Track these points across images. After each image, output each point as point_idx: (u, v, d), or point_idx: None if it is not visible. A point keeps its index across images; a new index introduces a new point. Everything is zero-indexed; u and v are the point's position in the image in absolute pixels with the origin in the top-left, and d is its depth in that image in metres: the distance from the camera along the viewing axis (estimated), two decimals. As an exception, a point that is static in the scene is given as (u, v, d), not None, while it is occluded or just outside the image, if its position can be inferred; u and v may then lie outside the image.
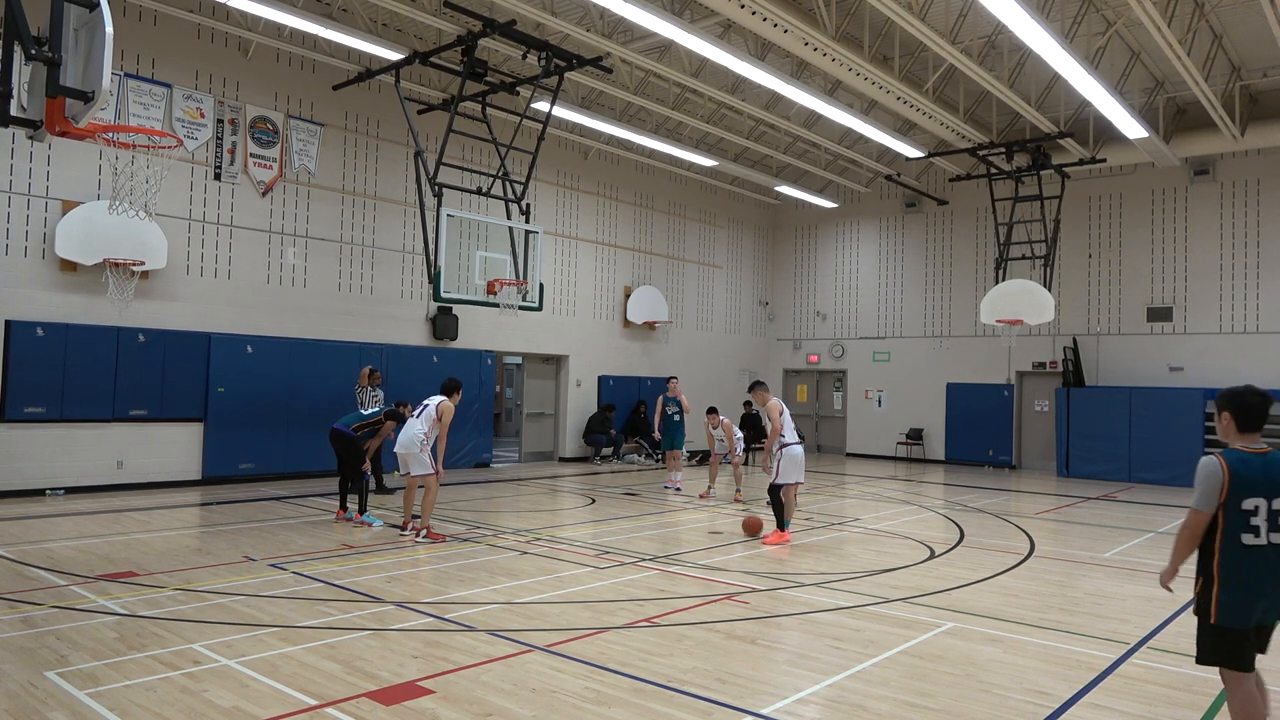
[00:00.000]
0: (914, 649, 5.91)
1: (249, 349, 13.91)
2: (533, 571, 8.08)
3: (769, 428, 10.15)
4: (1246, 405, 3.98)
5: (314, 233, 14.95)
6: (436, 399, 9.71)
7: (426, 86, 15.55)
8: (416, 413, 9.75)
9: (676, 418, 15.21)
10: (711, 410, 14.38)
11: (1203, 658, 3.97)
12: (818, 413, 24.00)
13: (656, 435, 15.67)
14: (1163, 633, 6.51)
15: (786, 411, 10.16)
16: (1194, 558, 4.08)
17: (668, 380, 15.72)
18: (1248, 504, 3.81)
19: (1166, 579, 4.14)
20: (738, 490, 13.78)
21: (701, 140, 19.84)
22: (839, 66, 13.23)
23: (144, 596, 6.81)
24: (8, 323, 11.71)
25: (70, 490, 12.15)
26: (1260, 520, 3.81)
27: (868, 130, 16.50)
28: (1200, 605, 3.95)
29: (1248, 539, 3.82)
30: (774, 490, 9.95)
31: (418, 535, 9.45)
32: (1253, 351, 17.72)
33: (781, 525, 9.94)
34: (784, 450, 9.92)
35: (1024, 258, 18.32)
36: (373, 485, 12.72)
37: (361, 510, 10.46)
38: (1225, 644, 3.88)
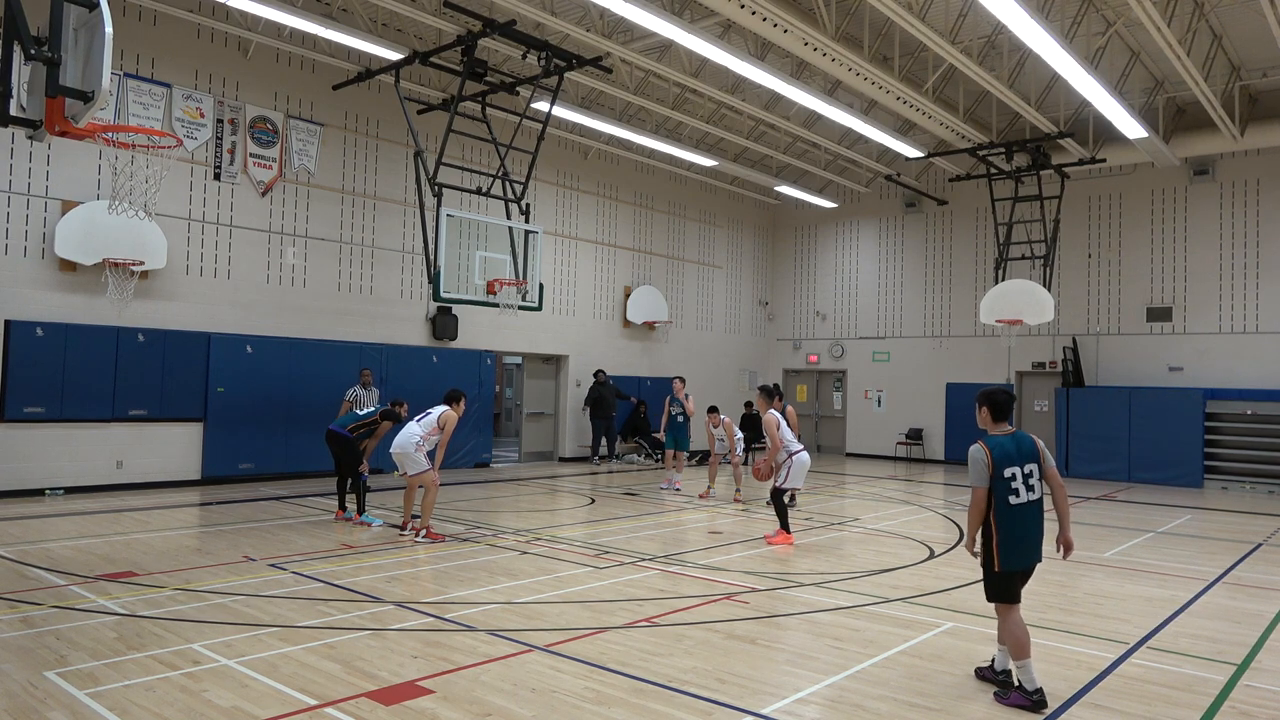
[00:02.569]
0: (914, 649, 5.91)
1: (249, 349, 13.91)
2: (532, 571, 8.08)
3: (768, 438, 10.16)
4: (997, 401, 5.24)
5: (314, 233, 14.95)
6: (440, 408, 9.72)
7: (426, 86, 15.55)
8: (417, 418, 9.75)
9: (680, 419, 15.15)
10: (712, 409, 14.37)
11: (992, 597, 5.13)
12: (817, 413, 24.00)
13: (661, 435, 15.59)
14: (1162, 633, 6.51)
15: (785, 424, 10.16)
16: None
17: (674, 380, 15.65)
18: (1008, 473, 4.99)
19: (969, 546, 5.19)
20: (737, 490, 13.78)
21: (701, 140, 19.84)
22: (839, 66, 13.23)
23: (143, 596, 6.81)
24: (7, 323, 11.70)
25: (70, 490, 12.15)
26: (1019, 484, 5.01)
27: (868, 130, 16.50)
28: (985, 558, 5.09)
29: (1013, 499, 5.00)
30: (778, 493, 9.98)
31: (417, 535, 9.45)
32: (1252, 351, 17.73)
33: (785, 527, 9.95)
34: (793, 457, 9.98)
35: (1024, 258, 18.33)
36: (378, 485, 12.75)
37: (360, 510, 10.46)
38: (1007, 584, 5.06)
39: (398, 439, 9.64)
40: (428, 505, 9.56)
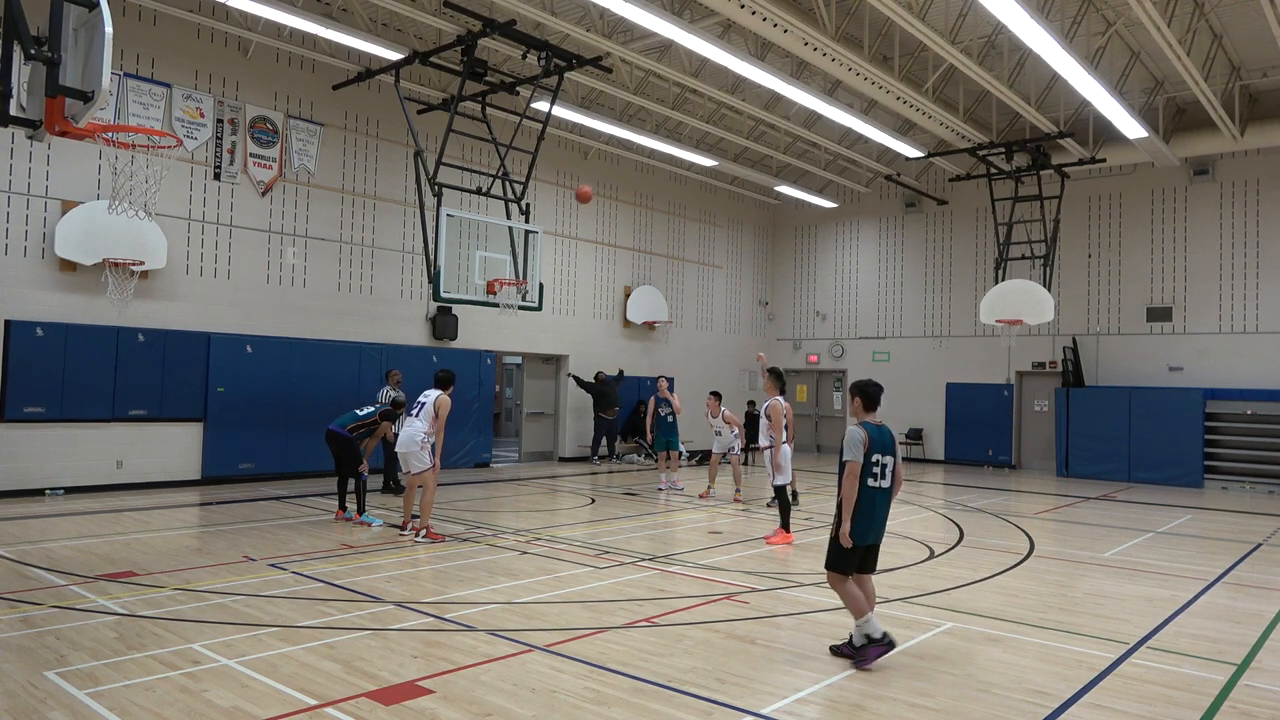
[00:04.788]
0: (914, 649, 5.91)
1: (249, 349, 13.91)
2: (532, 571, 8.08)
3: (767, 422, 10.11)
4: (868, 393, 5.75)
5: (314, 233, 14.94)
6: (433, 394, 9.70)
7: (426, 86, 15.55)
8: (415, 412, 9.72)
9: (670, 419, 15.09)
10: (714, 394, 14.24)
11: (831, 565, 5.64)
12: (818, 413, 23.98)
13: (649, 436, 15.51)
14: (1162, 632, 6.50)
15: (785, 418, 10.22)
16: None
17: (657, 380, 15.66)
18: (874, 458, 5.56)
19: (845, 536, 5.51)
20: (738, 490, 13.77)
21: (701, 140, 19.84)
22: (839, 66, 13.23)
23: (143, 596, 6.81)
24: (8, 323, 11.70)
25: (70, 490, 12.14)
26: (878, 469, 5.58)
27: (868, 130, 16.50)
28: (835, 530, 5.57)
29: (872, 483, 5.56)
30: (781, 489, 9.99)
31: (417, 535, 9.44)
32: (1252, 351, 17.73)
33: (786, 525, 9.95)
34: (783, 448, 10.01)
35: (1024, 258, 18.33)
36: (376, 485, 12.75)
37: (360, 510, 10.46)
38: (847, 556, 5.57)
39: (402, 437, 9.65)
40: (426, 505, 9.55)
